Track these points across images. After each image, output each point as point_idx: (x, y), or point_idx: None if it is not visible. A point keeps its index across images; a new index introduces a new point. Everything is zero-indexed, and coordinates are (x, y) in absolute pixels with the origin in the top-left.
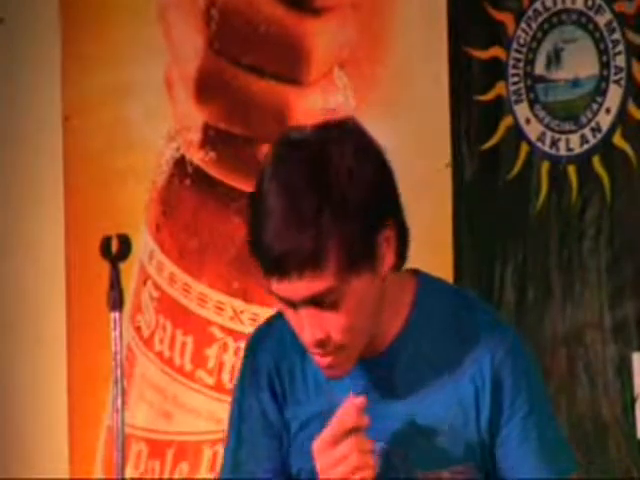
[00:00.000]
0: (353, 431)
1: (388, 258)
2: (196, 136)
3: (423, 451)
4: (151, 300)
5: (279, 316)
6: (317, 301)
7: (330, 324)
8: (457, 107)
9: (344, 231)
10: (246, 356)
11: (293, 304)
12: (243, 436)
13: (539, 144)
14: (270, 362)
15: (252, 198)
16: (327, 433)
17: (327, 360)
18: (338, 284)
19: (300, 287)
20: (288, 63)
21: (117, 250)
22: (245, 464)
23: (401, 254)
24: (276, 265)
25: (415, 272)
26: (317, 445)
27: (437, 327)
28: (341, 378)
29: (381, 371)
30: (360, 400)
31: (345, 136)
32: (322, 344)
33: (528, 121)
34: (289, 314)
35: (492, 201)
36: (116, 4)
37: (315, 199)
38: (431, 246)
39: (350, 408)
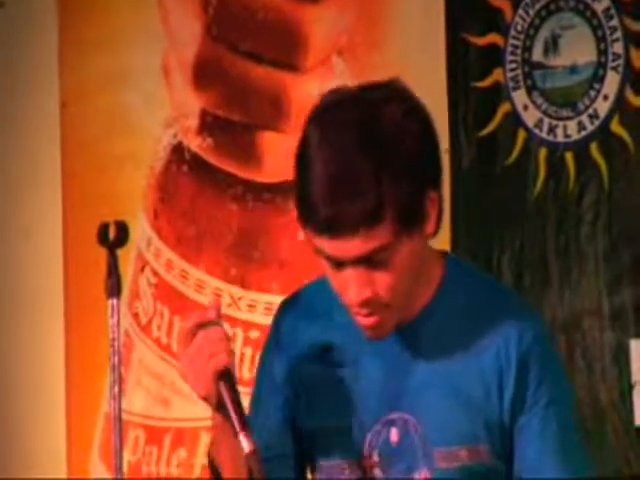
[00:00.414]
0: (207, 324)
1: (432, 220)
2: (194, 122)
3: (440, 424)
4: (149, 286)
5: (307, 288)
6: (368, 259)
7: (379, 282)
8: (455, 94)
9: (399, 189)
10: (271, 324)
11: (340, 263)
12: (258, 396)
13: (537, 130)
14: (293, 328)
15: (299, 161)
16: (184, 327)
17: (371, 320)
18: (393, 241)
19: (353, 245)
20: (286, 49)
21: (115, 237)
22: (254, 418)
23: (439, 223)
24: (329, 224)
25: (443, 252)
26: (177, 339)
27: (465, 301)
28: (383, 338)
29: (408, 339)
30: (217, 300)
31: (394, 96)
32: (368, 303)
33: (526, 107)
34: (332, 274)
35: (490, 188)
36: None
37: (369, 160)
38: None
39: (208, 307)
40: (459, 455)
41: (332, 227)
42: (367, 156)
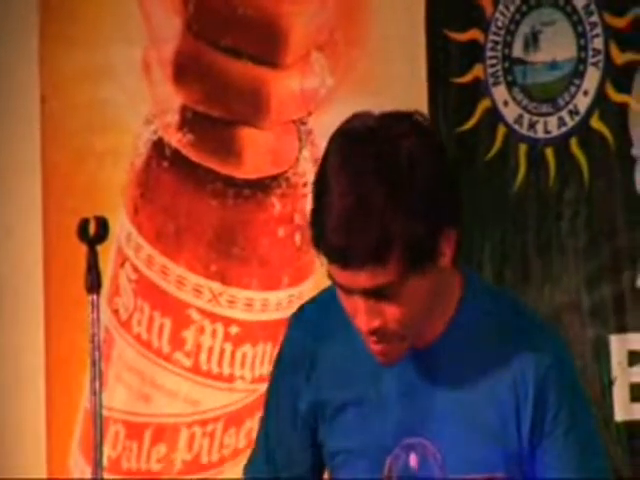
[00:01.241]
0: None
1: (447, 256)
2: (174, 118)
3: (457, 452)
4: (129, 282)
5: (325, 295)
6: (376, 292)
7: (387, 314)
8: (435, 89)
9: (409, 228)
10: (285, 335)
11: (350, 291)
12: (276, 414)
13: (517, 126)
14: (308, 343)
15: (316, 186)
16: None
17: (380, 347)
18: (399, 279)
19: (361, 279)
20: (266, 46)
21: (95, 232)
22: (274, 434)
23: (457, 257)
24: (339, 256)
25: (460, 269)
26: None
27: (483, 326)
28: (393, 365)
29: (426, 364)
30: None
31: (413, 130)
32: (377, 332)
33: (506, 103)
34: (344, 299)
35: (470, 183)
36: None
37: (382, 195)
38: None
39: None
40: None
41: (341, 258)
42: (379, 192)
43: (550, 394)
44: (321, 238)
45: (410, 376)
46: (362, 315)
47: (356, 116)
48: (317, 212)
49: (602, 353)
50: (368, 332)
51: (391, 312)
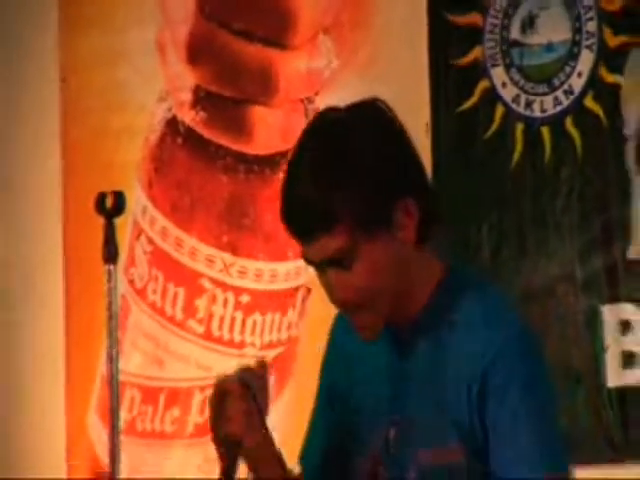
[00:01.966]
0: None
1: (407, 230)
2: (187, 97)
3: (426, 426)
4: (144, 253)
5: None
6: (338, 263)
7: (351, 285)
8: (436, 71)
9: (353, 199)
10: (329, 333)
11: (320, 267)
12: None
13: (514, 105)
14: (344, 340)
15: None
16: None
17: (356, 321)
18: (350, 245)
19: (316, 250)
20: (276, 28)
21: (112, 206)
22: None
23: (426, 233)
24: (295, 232)
25: (444, 258)
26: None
27: (456, 311)
28: (372, 339)
29: (404, 343)
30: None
31: (366, 116)
32: (348, 305)
33: (504, 84)
34: (319, 278)
35: (469, 161)
36: None
37: (330, 167)
38: None
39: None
40: (441, 455)
41: (297, 233)
42: (328, 166)
43: (498, 377)
44: (282, 214)
45: (391, 354)
46: (329, 288)
47: (326, 108)
48: (282, 192)
49: (595, 322)
50: (336, 304)
51: (353, 281)
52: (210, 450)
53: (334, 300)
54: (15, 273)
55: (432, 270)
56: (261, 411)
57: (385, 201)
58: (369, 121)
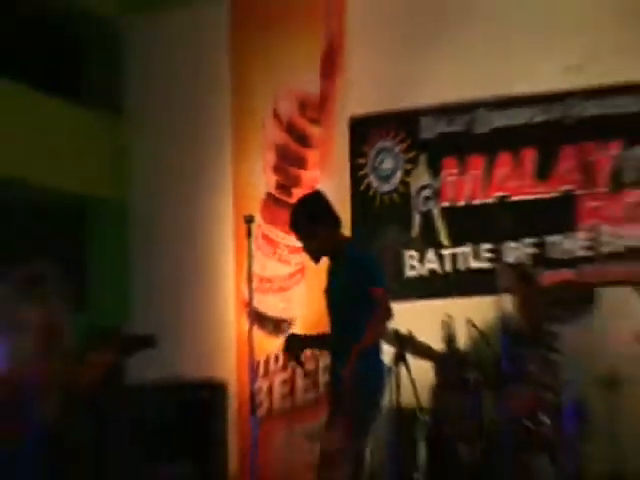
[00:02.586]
0: None
1: (325, 233)
2: None
3: (340, 303)
4: None
5: None
6: (307, 244)
7: (309, 246)
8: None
9: (310, 227)
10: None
11: (302, 246)
12: None
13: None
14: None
15: None
16: None
17: (310, 258)
18: (313, 238)
19: (302, 242)
20: None
21: None
22: None
23: (331, 230)
24: (295, 236)
25: (349, 240)
26: None
27: (348, 256)
28: (316, 263)
29: (331, 271)
30: None
31: (312, 199)
32: (307, 253)
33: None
34: (303, 248)
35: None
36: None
37: (302, 218)
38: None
39: None
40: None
41: (296, 237)
42: (301, 218)
43: (363, 275)
44: (291, 231)
45: (330, 267)
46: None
47: (300, 197)
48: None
49: None
50: (305, 250)
51: (310, 245)
52: None
53: (304, 249)
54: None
55: (345, 241)
56: None
57: (316, 227)
58: (315, 198)
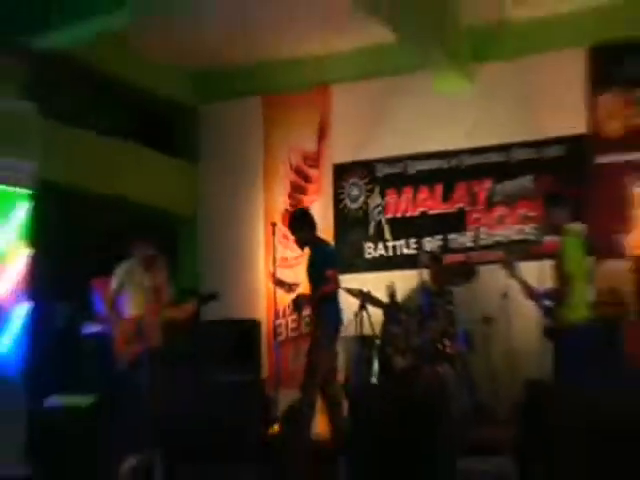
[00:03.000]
0: None
1: (304, 232)
2: None
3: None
4: None
5: None
6: (297, 238)
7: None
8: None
9: (300, 233)
10: None
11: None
12: None
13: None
14: None
15: None
16: None
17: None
18: (297, 236)
19: (294, 237)
20: None
21: None
22: None
23: (309, 231)
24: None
25: (323, 240)
26: None
27: (316, 252)
28: (302, 250)
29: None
30: None
31: (300, 212)
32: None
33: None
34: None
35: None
36: None
37: (293, 222)
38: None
39: None
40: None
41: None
42: (292, 223)
43: (329, 263)
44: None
45: (308, 261)
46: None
47: (293, 210)
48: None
49: None
50: (295, 242)
51: (297, 239)
52: None
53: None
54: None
55: (319, 239)
56: None
57: (302, 231)
58: (301, 211)
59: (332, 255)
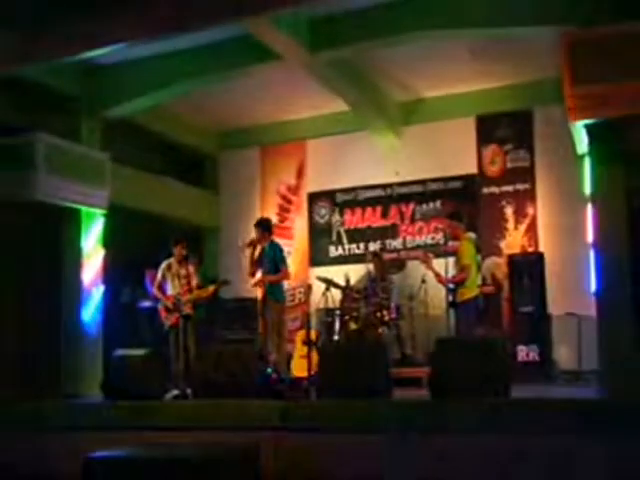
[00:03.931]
0: None
1: (263, 232)
2: None
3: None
4: None
5: None
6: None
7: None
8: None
9: (259, 229)
10: None
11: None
12: None
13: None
14: None
15: None
16: None
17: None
18: (259, 235)
19: (256, 235)
20: None
21: None
22: None
23: (267, 232)
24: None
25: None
26: None
27: (270, 248)
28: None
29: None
30: None
31: (263, 219)
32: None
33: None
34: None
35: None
36: None
37: (257, 225)
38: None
39: None
40: None
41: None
42: (257, 224)
43: (274, 258)
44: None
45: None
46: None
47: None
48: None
49: None
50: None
51: (259, 237)
52: None
53: None
54: None
55: (272, 239)
56: None
57: (264, 229)
58: (264, 219)
59: (280, 251)
